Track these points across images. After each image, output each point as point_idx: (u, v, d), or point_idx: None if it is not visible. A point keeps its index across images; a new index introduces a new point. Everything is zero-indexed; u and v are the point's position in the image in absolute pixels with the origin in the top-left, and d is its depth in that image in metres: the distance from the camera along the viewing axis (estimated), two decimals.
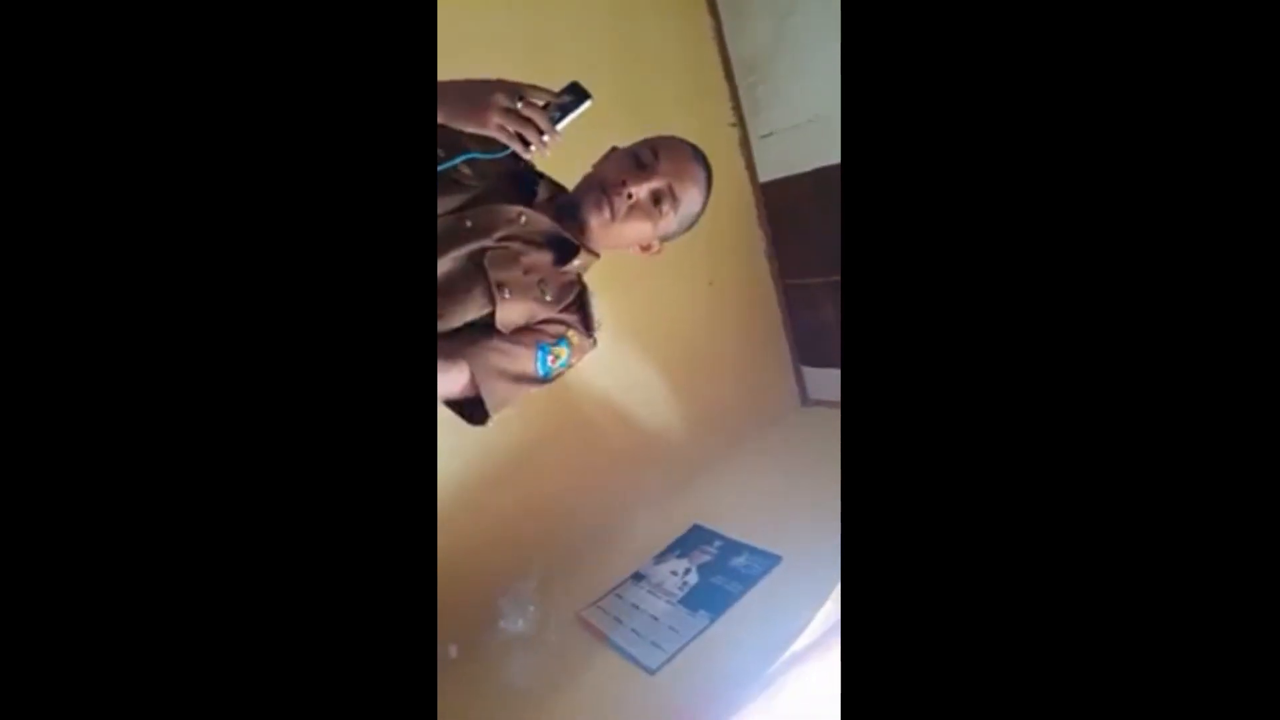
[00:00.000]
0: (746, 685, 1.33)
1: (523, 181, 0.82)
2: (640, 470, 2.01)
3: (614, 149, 0.84)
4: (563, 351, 0.83)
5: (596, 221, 0.79)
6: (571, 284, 0.84)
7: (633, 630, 1.59)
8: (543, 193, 0.82)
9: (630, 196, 0.77)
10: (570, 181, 0.88)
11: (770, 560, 1.67)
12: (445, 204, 0.75)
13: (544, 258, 0.81)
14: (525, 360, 0.79)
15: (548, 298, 0.80)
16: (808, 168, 1.94)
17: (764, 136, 2.05)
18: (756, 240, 2.19)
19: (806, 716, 1.26)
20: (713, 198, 0.87)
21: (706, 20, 2.00)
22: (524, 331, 0.79)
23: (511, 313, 0.77)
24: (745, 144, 2.09)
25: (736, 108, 2.07)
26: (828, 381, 2.27)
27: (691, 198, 0.82)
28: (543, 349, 0.80)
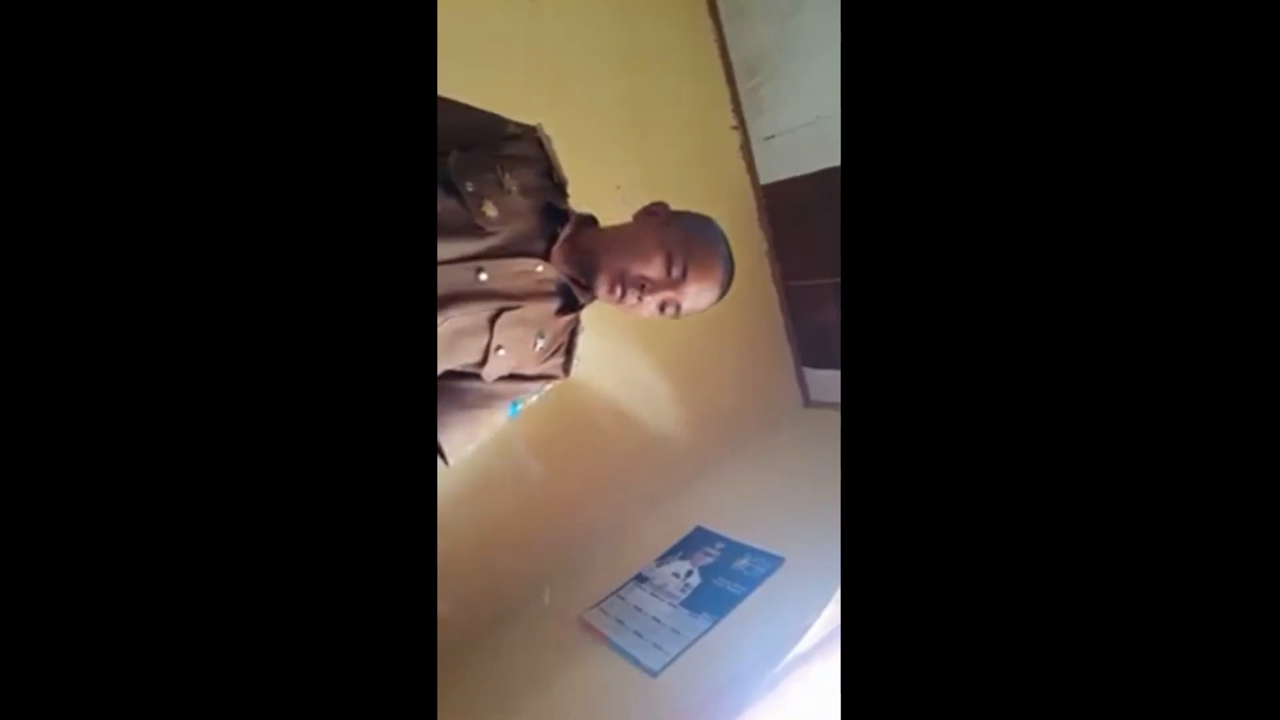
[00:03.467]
0: (749, 687, 1.33)
1: (550, 219, 0.79)
2: (642, 472, 2.01)
3: (658, 209, 0.81)
4: (533, 398, 0.83)
5: (604, 296, 0.79)
6: (565, 327, 0.83)
7: (635, 632, 1.59)
8: (569, 227, 0.79)
9: (642, 301, 0.77)
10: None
11: (773, 562, 1.67)
12: (460, 248, 0.71)
13: (548, 307, 0.79)
14: (494, 418, 0.80)
15: (538, 347, 0.79)
16: (810, 169, 1.95)
17: (766, 139, 2.05)
18: (758, 242, 2.19)
19: (810, 718, 1.26)
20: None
21: (708, 23, 2.00)
22: (503, 381, 0.79)
23: (499, 368, 0.77)
24: (747, 146, 2.10)
25: (738, 110, 2.07)
26: (830, 383, 2.27)
27: (702, 306, 0.83)
28: (514, 404, 0.81)
